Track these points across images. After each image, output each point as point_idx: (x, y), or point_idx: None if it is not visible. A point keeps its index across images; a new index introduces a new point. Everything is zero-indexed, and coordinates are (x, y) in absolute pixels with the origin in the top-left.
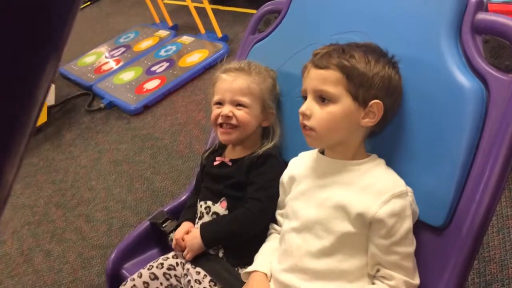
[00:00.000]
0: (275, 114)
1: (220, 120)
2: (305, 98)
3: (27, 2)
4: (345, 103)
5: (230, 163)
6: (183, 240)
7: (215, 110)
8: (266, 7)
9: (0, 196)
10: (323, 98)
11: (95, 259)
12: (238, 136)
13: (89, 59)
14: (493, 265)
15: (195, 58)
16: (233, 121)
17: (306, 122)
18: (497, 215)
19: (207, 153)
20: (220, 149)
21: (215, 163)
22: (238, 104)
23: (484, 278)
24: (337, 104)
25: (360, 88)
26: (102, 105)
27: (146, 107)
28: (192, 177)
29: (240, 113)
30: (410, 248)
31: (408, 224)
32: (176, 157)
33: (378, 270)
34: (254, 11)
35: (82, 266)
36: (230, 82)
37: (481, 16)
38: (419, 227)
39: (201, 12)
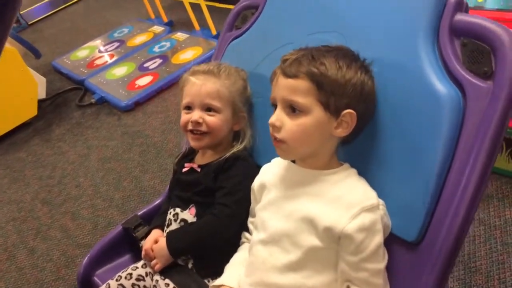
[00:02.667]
0: (246, 118)
1: (190, 127)
2: (274, 106)
3: None
4: (316, 113)
5: (198, 169)
6: (152, 250)
7: (184, 116)
8: (242, 2)
9: None
10: (293, 109)
11: (79, 258)
12: (209, 142)
13: (82, 53)
14: (479, 276)
15: (188, 55)
16: (203, 128)
17: (277, 134)
18: (485, 224)
19: (177, 159)
20: (190, 154)
21: (184, 169)
22: (208, 109)
23: None
24: (308, 115)
25: (331, 96)
26: (93, 100)
27: (138, 104)
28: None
29: (211, 119)
30: (381, 264)
31: (378, 239)
32: (165, 156)
33: (348, 287)
34: None
35: (66, 265)
36: (199, 86)
37: (460, 17)
38: (391, 241)
39: (197, 8)
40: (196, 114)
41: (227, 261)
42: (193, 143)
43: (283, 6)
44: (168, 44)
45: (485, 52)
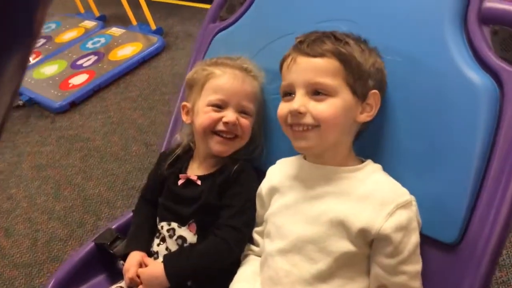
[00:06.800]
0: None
1: (221, 127)
2: (287, 94)
3: None
4: (345, 96)
5: (198, 182)
6: (138, 277)
7: (212, 114)
8: None
9: None
10: (317, 92)
11: (18, 279)
12: (236, 148)
13: None
14: None
15: (127, 51)
16: (238, 130)
17: (304, 120)
18: None
19: (168, 162)
20: (182, 160)
21: (180, 182)
22: (242, 111)
23: None
24: (335, 98)
25: (358, 80)
26: (20, 102)
27: (73, 105)
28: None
29: (245, 121)
30: (419, 265)
31: (415, 237)
32: (111, 160)
33: None
34: (189, 4)
35: None
36: (240, 84)
37: (489, 4)
38: (426, 243)
39: (131, 2)
40: (233, 115)
41: (230, 275)
42: (218, 148)
43: None
44: (103, 39)
45: None
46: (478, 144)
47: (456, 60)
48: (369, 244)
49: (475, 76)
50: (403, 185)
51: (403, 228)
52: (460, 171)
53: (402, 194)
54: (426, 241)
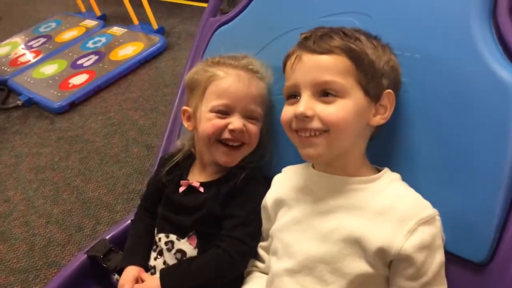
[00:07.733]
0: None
1: (226, 135)
2: (292, 96)
3: None
4: (357, 97)
5: (201, 189)
6: None
7: (217, 121)
8: None
9: None
10: (326, 93)
11: (14, 286)
12: (243, 156)
13: (3, 50)
14: None
15: (128, 51)
16: (245, 138)
17: (311, 125)
18: None
19: (167, 167)
20: (183, 166)
21: (181, 189)
22: (249, 116)
23: None
24: (346, 99)
25: (371, 80)
26: (19, 102)
27: (73, 105)
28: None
29: (253, 127)
30: (444, 287)
31: (440, 256)
32: (111, 162)
33: None
34: (192, 3)
35: None
36: (246, 87)
37: None
38: (452, 262)
39: (133, 1)
40: (239, 121)
41: None
42: (225, 159)
43: None
44: (103, 39)
45: None
46: (510, 150)
47: (484, 57)
48: (388, 264)
49: (506, 74)
50: (424, 197)
51: (426, 247)
52: (489, 181)
53: (424, 207)
54: (451, 260)
